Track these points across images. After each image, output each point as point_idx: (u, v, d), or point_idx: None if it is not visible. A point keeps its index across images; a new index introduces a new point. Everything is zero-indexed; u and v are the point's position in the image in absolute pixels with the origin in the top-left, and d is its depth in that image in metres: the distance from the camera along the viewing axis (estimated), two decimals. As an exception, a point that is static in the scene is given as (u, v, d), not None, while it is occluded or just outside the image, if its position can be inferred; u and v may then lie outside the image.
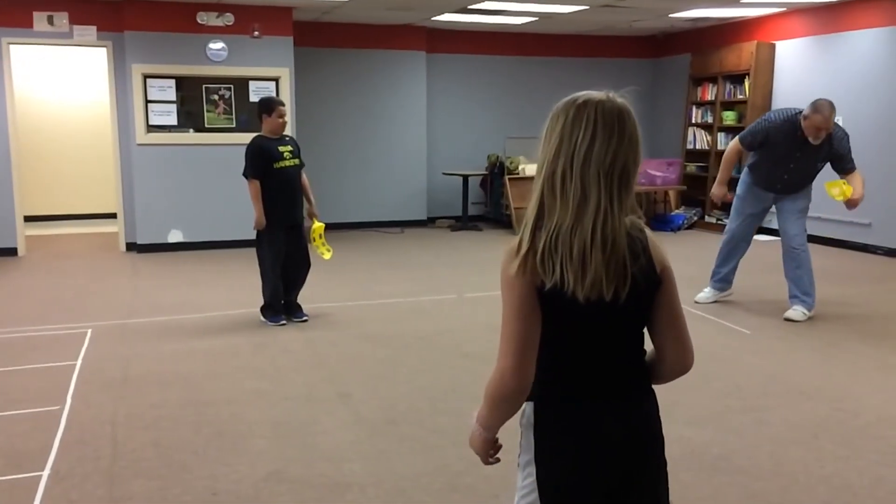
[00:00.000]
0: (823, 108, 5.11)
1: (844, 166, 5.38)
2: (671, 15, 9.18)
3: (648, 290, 1.50)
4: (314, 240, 5.60)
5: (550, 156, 1.46)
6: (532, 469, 1.56)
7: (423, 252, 8.63)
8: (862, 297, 6.23)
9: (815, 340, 5.02)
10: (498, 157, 10.49)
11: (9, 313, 5.80)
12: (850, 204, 5.36)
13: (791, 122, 5.27)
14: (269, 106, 5.38)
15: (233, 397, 4.02)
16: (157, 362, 4.62)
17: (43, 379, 4.30)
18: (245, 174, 5.33)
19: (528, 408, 1.59)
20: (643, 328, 1.57)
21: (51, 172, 10.65)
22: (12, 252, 8.20)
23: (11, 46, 8.09)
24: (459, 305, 6.08)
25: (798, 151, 5.28)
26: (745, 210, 5.69)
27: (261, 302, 5.55)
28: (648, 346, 1.61)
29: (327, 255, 5.66)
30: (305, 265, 5.57)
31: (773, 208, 5.70)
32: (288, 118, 5.66)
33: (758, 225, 5.85)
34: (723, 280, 5.87)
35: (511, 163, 10.25)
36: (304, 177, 5.56)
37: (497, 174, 10.40)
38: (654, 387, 1.62)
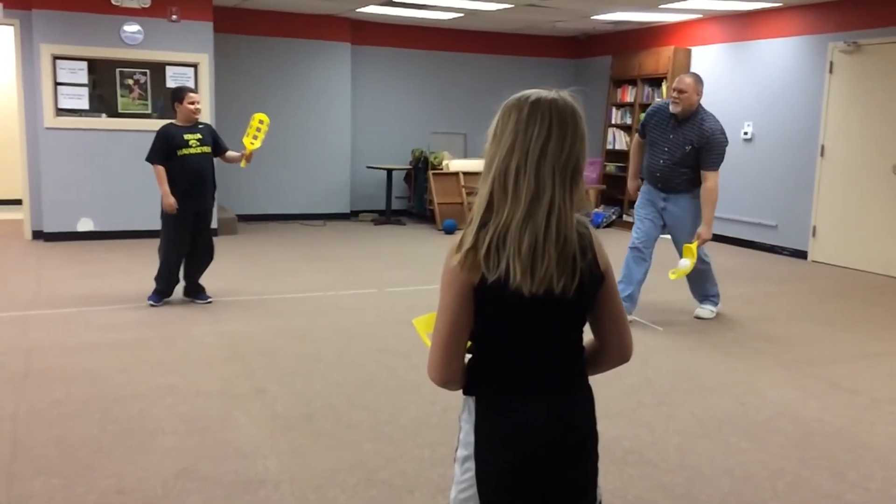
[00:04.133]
0: (686, 75, 5.35)
1: (706, 158, 5.20)
2: (593, 17, 9.37)
3: (593, 286, 1.54)
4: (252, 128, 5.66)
5: (503, 152, 1.48)
6: (471, 464, 1.57)
7: (344, 246, 8.55)
8: (767, 297, 6.51)
9: (722, 338, 5.21)
10: (422, 151, 10.49)
11: None
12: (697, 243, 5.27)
13: (666, 103, 5.41)
14: (180, 94, 5.55)
15: (141, 393, 3.89)
16: (61, 356, 4.43)
17: (-64, 373, 4.07)
18: (147, 159, 5.49)
19: (468, 402, 1.60)
20: (584, 324, 1.61)
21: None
22: None
23: None
24: (379, 300, 6.06)
25: (671, 133, 5.32)
26: (638, 211, 5.56)
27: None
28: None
29: (256, 144, 5.68)
30: (209, 252, 5.76)
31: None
32: (201, 105, 5.71)
33: (658, 226, 5.49)
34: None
35: (435, 158, 10.27)
36: (230, 154, 5.78)
37: (421, 169, 10.40)
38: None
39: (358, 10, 9.25)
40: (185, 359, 4.48)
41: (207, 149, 5.58)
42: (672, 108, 5.29)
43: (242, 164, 5.74)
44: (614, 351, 1.65)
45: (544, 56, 11.43)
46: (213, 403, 3.80)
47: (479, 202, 1.50)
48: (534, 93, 1.51)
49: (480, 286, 1.48)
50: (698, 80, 5.31)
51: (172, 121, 5.58)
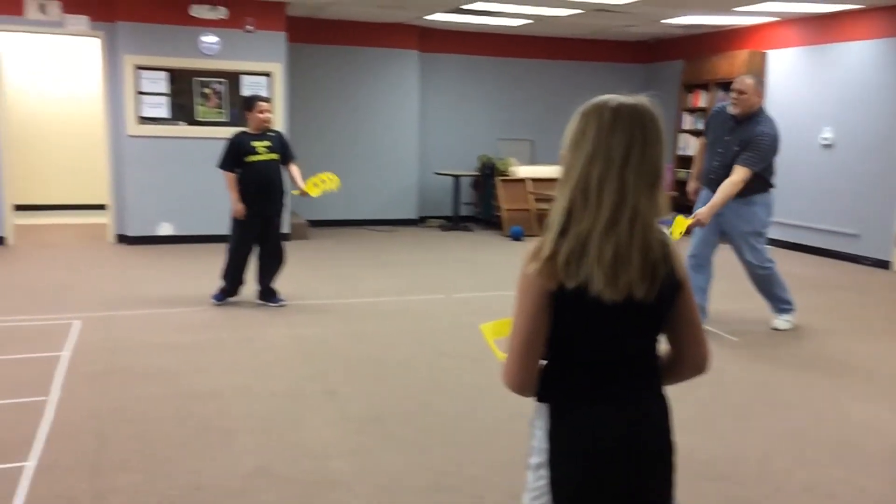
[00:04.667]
0: (746, 76, 5.19)
1: (743, 154, 4.97)
2: (664, 21, 9.22)
3: (671, 294, 1.54)
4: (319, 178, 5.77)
5: (585, 159, 1.47)
6: (545, 472, 1.57)
7: (412, 251, 8.62)
8: (848, 308, 6.28)
9: (800, 350, 5.05)
10: (489, 158, 10.50)
11: (-6, 302, 5.76)
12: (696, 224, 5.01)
13: (725, 104, 5.28)
14: (250, 103, 5.74)
15: (218, 392, 4.01)
16: (142, 355, 4.60)
17: (29, 369, 4.28)
18: (218, 165, 5.69)
19: (541, 409, 1.60)
20: (660, 332, 1.60)
21: (41, 161, 10.56)
22: (0, 241, 8.15)
23: (1, 34, 8.02)
24: (448, 305, 6.09)
25: (727, 134, 5.17)
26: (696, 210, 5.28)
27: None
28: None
29: (314, 192, 5.77)
30: (278, 257, 5.84)
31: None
32: (271, 114, 5.84)
33: (716, 231, 5.28)
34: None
35: (502, 164, 10.26)
36: (293, 168, 5.83)
37: (488, 175, 10.41)
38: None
39: (426, 17, 9.34)
40: (259, 360, 4.59)
41: (275, 156, 5.70)
42: (731, 110, 5.17)
43: (295, 192, 5.84)
44: (691, 361, 1.64)
45: (613, 61, 11.30)
46: (286, 404, 3.89)
47: (558, 209, 1.50)
48: (613, 98, 1.50)
49: (559, 293, 1.48)
50: (759, 81, 5.18)
51: (244, 129, 5.74)
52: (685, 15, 8.78)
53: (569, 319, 1.50)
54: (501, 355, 2.00)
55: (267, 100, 5.83)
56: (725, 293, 6.03)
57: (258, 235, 5.72)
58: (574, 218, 1.48)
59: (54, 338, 4.85)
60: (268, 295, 5.85)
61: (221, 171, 5.65)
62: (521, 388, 1.57)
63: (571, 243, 1.46)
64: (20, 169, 9.89)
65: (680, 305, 1.57)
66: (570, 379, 1.56)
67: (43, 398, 3.82)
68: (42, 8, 7.99)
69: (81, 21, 8.11)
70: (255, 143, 5.63)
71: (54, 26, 8.07)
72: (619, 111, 1.47)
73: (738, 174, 4.99)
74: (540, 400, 1.60)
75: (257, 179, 5.63)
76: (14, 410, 3.68)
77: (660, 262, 1.49)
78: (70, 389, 3.97)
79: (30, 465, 3.11)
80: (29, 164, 10.37)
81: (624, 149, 1.45)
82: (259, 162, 5.63)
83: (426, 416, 3.76)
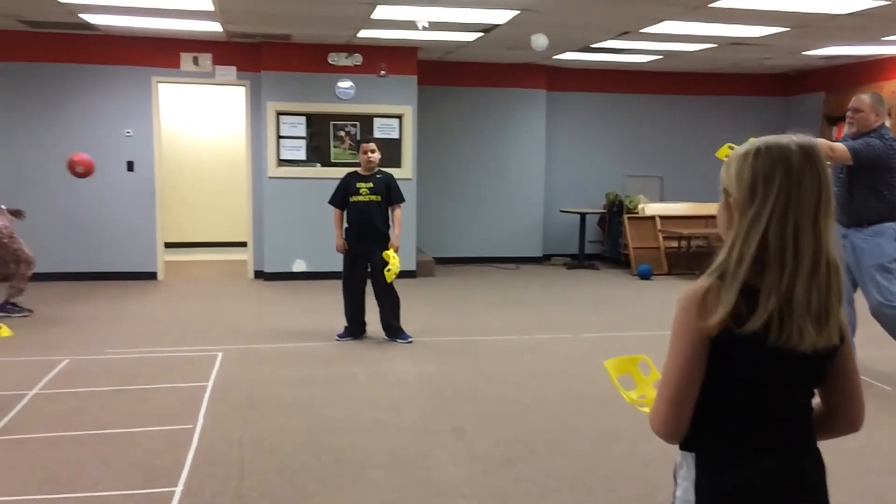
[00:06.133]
0: (865, 94, 4.83)
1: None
2: (804, 53, 8.85)
3: (836, 344, 1.48)
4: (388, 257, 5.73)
5: (778, 209, 1.39)
6: None
7: (538, 289, 8.58)
8: None
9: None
10: (617, 195, 10.36)
11: (148, 334, 6.19)
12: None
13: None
14: (358, 144, 6.02)
15: (351, 426, 4.12)
16: (280, 387, 4.80)
17: (177, 398, 4.55)
18: (329, 201, 6.03)
19: (687, 458, 1.54)
20: (820, 383, 1.53)
21: (189, 201, 11.33)
22: (153, 276, 8.76)
23: (160, 85, 8.73)
24: (575, 345, 6.00)
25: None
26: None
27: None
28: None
29: (389, 277, 5.71)
30: (386, 295, 5.89)
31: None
32: (375, 154, 5.90)
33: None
34: None
35: (630, 202, 10.09)
36: (397, 212, 5.90)
37: (615, 212, 10.25)
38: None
39: (555, 57, 9.39)
40: (389, 395, 4.68)
41: (377, 198, 5.84)
42: (846, 129, 4.87)
43: (385, 254, 5.71)
44: (846, 417, 1.56)
45: (749, 94, 10.92)
46: (416, 440, 3.93)
47: (740, 257, 1.41)
48: (784, 140, 1.43)
49: (725, 340, 1.41)
50: (879, 99, 4.81)
51: (357, 169, 5.98)
52: (827, 46, 8.39)
53: (734, 367, 1.44)
54: (627, 395, 1.95)
55: (371, 141, 5.98)
56: (874, 338, 5.62)
57: (366, 274, 5.88)
58: (769, 267, 1.41)
59: (200, 368, 5.15)
60: (392, 332, 5.96)
61: (331, 207, 5.95)
62: (671, 436, 1.52)
63: (769, 294, 1.40)
64: (170, 208, 10.64)
65: (842, 356, 1.50)
66: (724, 429, 1.50)
67: (190, 426, 4.05)
68: (195, 60, 8.65)
69: (230, 72, 8.71)
70: (360, 184, 5.85)
71: (206, 77, 8.71)
72: (806, 154, 1.41)
73: (839, 151, 4.62)
74: (687, 448, 1.54)
75: (357, 219, 5.85)
76: (164, 437, 3.92)
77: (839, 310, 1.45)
78: (214, 418, 4.19)
79: (179, 490, 3.29)
80: (178, 204, 11.14)
81: (816, 194, 1.40)
82: (360, 202, 5.84)
83: (555, 458, 3.71)
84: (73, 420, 4.11)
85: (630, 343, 6.00)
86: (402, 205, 5.95)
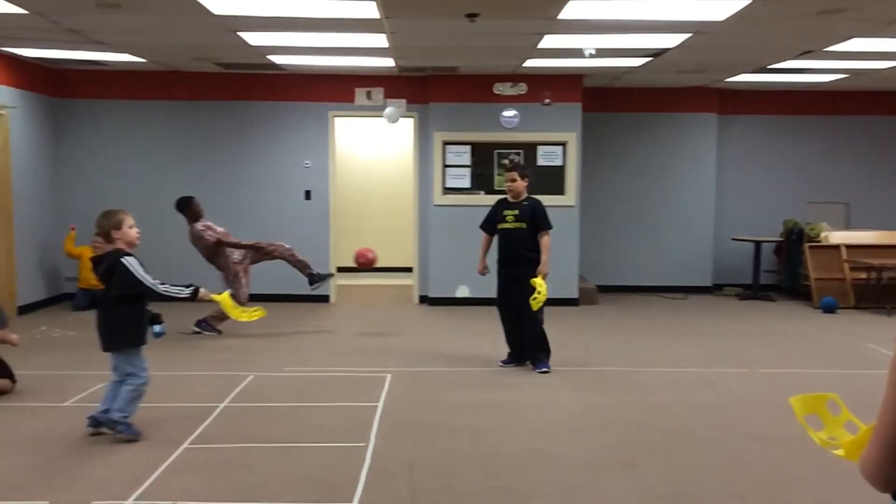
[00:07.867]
0: None
1: None
2: None
3: None
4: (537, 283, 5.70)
5: None
6: None
7: (709, 320, 8.21)
8: None
9: None
10: (796, 222, 9.74)
11: (321, 354, 6.51)
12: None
13: None
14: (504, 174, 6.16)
15: (516, 454, 4.10)
16: (446, 411, 4.88)
17: (349, 416, 4.74)
18: (480, 226, 6.18)
19: None
20: None
21: (359, 227, 11.86)
22: (325, 299, 9.23)
23: (336, 119, 9.24)
24: (751, 380, 5.67)
25: None
26: None
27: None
28: None
29: (534, 305, 5.63)
30: (526, 322, 5.87)
31: None
32: (514, 183, 5.96)
33: None
34: None
35: (812, 230, 9.46)
36: (545, 239, 5.86)
37: (795, 241, 9.64)
38: None
39: (727, 79, 9.04)
40: (554, 424, 4.63)
41: (522, 225, 5.87)
42: None
43: (533, 281, 5.71)
44: None
45: (949, 113, 9.98)
46: (583, 472, 3.86)
47: None
48: None
49: None
50: None
51: (507, 196, 6.07)
52: None
53: None
54: (817, 435, 1.81)
55: (513, 169, 6.00)
56: None
57: (517, 300, 5.83)
58: None
59: (371, 389, 5.34)
60: (531, 359, 5.96)
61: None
62: (885, 485, 1.40)
63: None
64: (341, 234, 11.18)
65: None
66: None
67: (363, 444, 4.20)
68: (368, 95, 9.09)
69: (400, 104, 9.07)
70: (507, 212, 5.94)
71: (378, 110, 9.12)
72: None
73: None
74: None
75: (504, 246, 5.99)
76: (339, 453, 4.08)
77: None
78: (385, 438, 4.32)
79: (354, 505, 3.42)
80: (348, 231, 11.68)
81: None
82: (506, 230, 5.95)
83: (732, 500, 3.51)
84: (257, 432, 4.39)
85: (816, 381, 5.60)
86: (550, 231, 5.90)
